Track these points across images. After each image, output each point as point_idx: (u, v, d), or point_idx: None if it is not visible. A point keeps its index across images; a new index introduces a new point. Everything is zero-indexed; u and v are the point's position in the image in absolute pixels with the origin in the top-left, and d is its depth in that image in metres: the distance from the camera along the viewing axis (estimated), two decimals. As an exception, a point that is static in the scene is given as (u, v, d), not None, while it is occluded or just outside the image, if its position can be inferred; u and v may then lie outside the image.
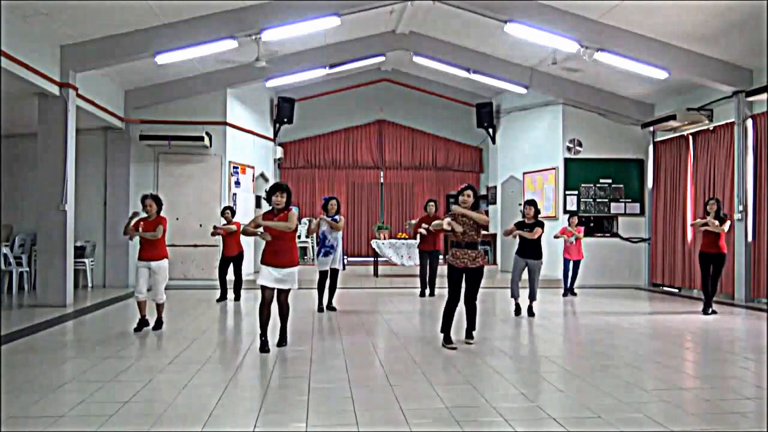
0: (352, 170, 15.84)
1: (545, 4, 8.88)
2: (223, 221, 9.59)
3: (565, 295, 10.58)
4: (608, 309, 9.03)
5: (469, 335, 6.23)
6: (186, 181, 11.60)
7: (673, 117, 10.65)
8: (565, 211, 12.29)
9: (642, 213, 12.48)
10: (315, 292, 8.77)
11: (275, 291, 5.75)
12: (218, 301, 9.42)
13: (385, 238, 12.66)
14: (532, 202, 8.22)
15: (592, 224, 12.40)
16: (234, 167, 11.98)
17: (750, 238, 9.66)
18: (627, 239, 12.41)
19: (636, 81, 10.81)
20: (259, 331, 5.85)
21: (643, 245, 12.45)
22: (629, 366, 5.27)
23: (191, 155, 11.58)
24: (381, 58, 12.82)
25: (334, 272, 8.48)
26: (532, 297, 8.13)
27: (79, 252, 10.55)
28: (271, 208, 5.83)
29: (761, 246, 9.44)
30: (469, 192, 6.03)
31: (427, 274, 10.25)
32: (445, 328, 6.04)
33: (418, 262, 12.37)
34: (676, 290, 11.42)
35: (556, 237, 10.61)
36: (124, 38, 8.75)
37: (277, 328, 6.03)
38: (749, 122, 9.72)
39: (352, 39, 11.39)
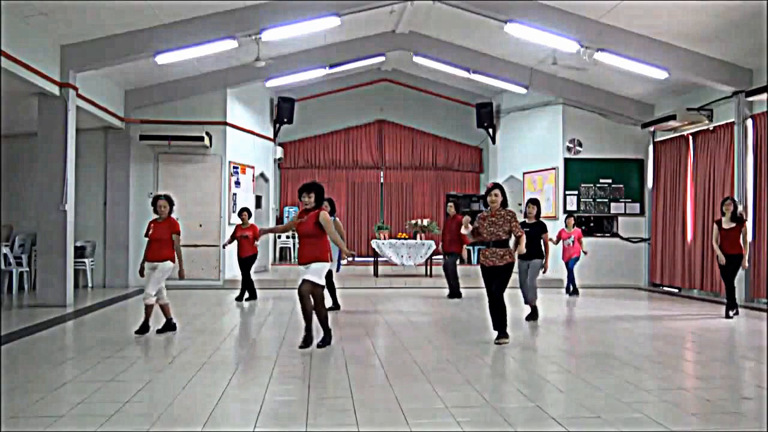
0: (352, 170, 15.85)
1: (545, 4, 8.88)
2: (239, 222, 9.54)
3: (572, 294, 10.50)
4: (608, 309, 9.02)
5: (500, 336, 6.16)
6: (186, 181, 11.60)
7: (673, 117, 10.65)
8: (565, 211, 12.29)
9: (642, 213, 12.48)
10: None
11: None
12: (248, 299, 9.46)
13: (385, 238, 12.67)
14: (535, 201, 7.96)
15: (592, 224, 12.41)
16: (234, 167, 11.98)
17: (750, 238, 9.64)
18: (627, 239, 12.41)
19: (636, 81, 10.81)
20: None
21: (643, 245, 12.45)
22: (629, 366, 5.26)
23: (191, 155, 11.58)
24: (381, 58, 12.82)
25: (329, 274, 8.19)
26: (526, 301, 7.74)
27: (79, 252, 10.54)
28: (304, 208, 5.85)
29: (761, 246, 9.43)
30: (497, 191, 6.05)
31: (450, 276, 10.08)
32: (496, 324, 6.14)
33: (419, 261, 12.44)
34: (676, 290, 11.41)
35: (555, 242, 10.22)
36: (124, 38, 8.74)
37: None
38: (749, 122, 9.72)
39: (352, 39, 11.39)
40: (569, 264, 10.51)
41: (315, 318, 5.86)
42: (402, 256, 12.30)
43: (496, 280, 6.09)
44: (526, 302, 7.80)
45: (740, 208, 8.30)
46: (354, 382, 4.60)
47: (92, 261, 11.30)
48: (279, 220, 15.13)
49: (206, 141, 11.18)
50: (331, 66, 11.83)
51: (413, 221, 13.39)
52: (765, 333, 6.92)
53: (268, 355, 5.62)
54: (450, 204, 10.23)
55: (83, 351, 5.80)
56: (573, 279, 10.58)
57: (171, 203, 6.71)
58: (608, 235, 12.42)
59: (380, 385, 4.57)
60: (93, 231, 11.42)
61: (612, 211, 12.46)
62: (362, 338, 6.49)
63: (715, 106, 10.39)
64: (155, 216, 6.69)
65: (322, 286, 5.82)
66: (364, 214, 15.86)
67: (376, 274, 12.59)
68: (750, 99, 9.45)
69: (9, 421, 3.63)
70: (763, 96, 9.09)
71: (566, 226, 10.54)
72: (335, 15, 8.79)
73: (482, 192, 15.65)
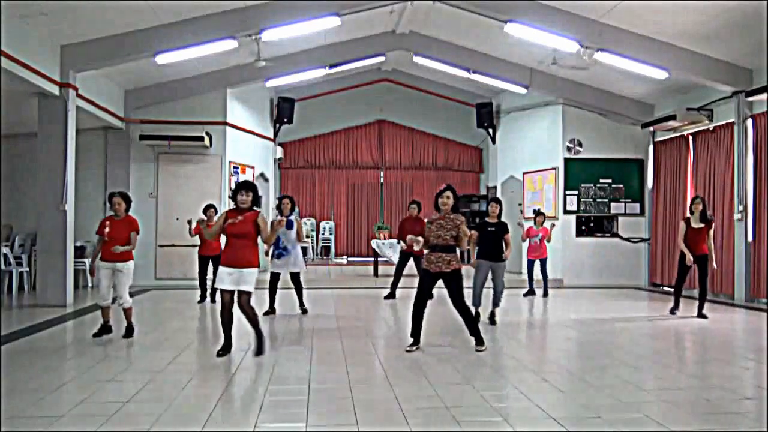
0: (352, 170, 15.85)
1: (545, 4, 8.88)
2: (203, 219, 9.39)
3: (526, 294, 10.31)
4: (608, 309, 9.02)
5: (478, 342, 5.83)
6: (186, 181, 11.60)
7: (673, 117, 10.65)
8: (565, 212, 12.30)
9: (642, 213, 12.48)
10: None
11: (234, 293, 5.46)
12: (199, 302, 9.18)
13: (385, 238, 12.66)
14: (498, 201, 7.65)
15: (592, 224, 12.40)
16: (234, 167, 11.98)
17: (750, 238, 9.65)
18: (627, 239, 12.41)
19: (636, 81, 10.81)
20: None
21: (643, 245, 12.45)
22: (629, 366, 5.27)
23: (191, 155, 11.57)
24: (381, 58, 12.82)
25: (296, 276, 8.06)
26: (496, 303, 7.48)
27: (79, 252, 10.53)
28: (235, 206, 5.58)
29: (761, 246, 9.43)
30: (449, 194, 5.77)
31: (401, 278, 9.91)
32: (414, 331, 5.84)
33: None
34: (676, 290, 11.40)
35: (523, 239, 10.29)
36: (124, 38, 8.75)
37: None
38: (749, 122, 9.72)
39: (352, 39, 11.39)
40: (542, 265, 10.32)
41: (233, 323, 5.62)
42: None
43: (449, 287, 5.76)
44: (474, 304, 7.35)
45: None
46: (354, 382, 4.60)
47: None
48: (279, 220, 15.12)
49: (206, 141, 11.18)
50: (331, 66, 11.82)
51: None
52: (765, 333, 6.92)
53: (268, 355, 5.62)
54: (413, 206, 9.77)
55: (83, 351, 5.80)
56: (546, 280, 10.39)
57: (127, 200, 6.55)
58: (608, 235, 12.41)
59: (380, 385, 4.57)
60: (93, 231, 11.35)
61: (612, 211, 12.46)
62: (362, 338, 6.49)
63: (715, 106, 10.39)
64: (111, 214, 6.53)
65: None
66: (364, 214, 15.86)
67: (376, 274, 12.57)
68: (750, 99, 9.45)
69: (9, 421, 3.63)
70: (763, 96, 9.09)
71: (535, 223, 10.36)
72: (335, 15, 8.79)
73: (482, 192, 15.70)
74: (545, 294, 10.36)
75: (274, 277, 8.02)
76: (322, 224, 15.47)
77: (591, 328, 7.31)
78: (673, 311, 8.37)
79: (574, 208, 12.34)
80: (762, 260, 9.39)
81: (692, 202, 8.22)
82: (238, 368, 5.09)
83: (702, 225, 8.07)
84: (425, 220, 5.74)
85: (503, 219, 7.68)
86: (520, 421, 3.69)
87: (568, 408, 4.09)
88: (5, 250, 10.21)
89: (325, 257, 15.22)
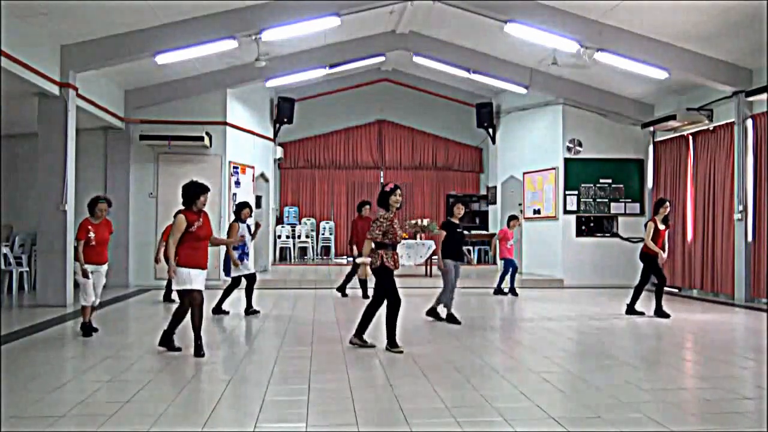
0: (352, 170, 15.86)
1: (545, 4, 8.88)
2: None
3: (498, 293, 10.28)
4: (608, 309, 9.01)
5: (359, 336, 5.97)
6: (186, 181, 11.55)
7: (673, 117, 10.65)
8: (565, 211, 12.30)
9: (642, 213, 12.47)
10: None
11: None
12: (166, 300, 9.25)
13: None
14: (464, 202, 7.75)
15: (592, 224, 12.41)
16: (234, 167, 11.97)
17: (750, 238, 9.66)
18: (627, 239, 12.40)
19: (636, 81, 10.81)
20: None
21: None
22: (629, 366, 5.27)
23: (191, 155, 11.56)
24: (381, 58, 12.82)
25: (254, 276, 8.22)
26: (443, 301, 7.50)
27: (79, 252, 10.53)
28: (189, 207, 5.74)
29: (761, 246, 9.43)
30: (401, 192, 6.02)
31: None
32: (392, 333, 5.89)
33: (419, 261, 12.45)
34: (676, 290, 11.41)
35: (501, 239, 10.22)
36: (124, 38, 8.75)
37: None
38: (749, 122, 9.72)
39: (352, 39, 11.39)
40: (514, 264, 10.28)
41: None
42: (402, 256, 12.30)
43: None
44: (446, 305, 7.47)
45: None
46: (354, 382, 4.60)
47: (92, 261, 11.27)
48: (279, 220, 15.14)
49: (206, 141, 11.17)
50: (331, 66, 11.82)
51: (413, 221, 13.39)
52: (765, 333, 6.92)
53: (268, 355, 5.62)
54: (366, 207, 9.82)
55: (83, 351, 5.80)
56: (503, 280, 10.38)
57: (110, 205, 6.77)
58: (608, 235, 12.41)
59: (380, 385, 4.57)
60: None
61: (612, 211, 12.46)
62: (362, 338, 6.48)
63: (715, 106, 10.39)
64: (89, 217, 6.54)
65: None
66: (364, 214, 15.84)
67: (376, 274, 12.58)
68: (750, 99, 9.45)
69: (9, 421, 3.63)
70: (763, 96, 9.09)
71: (509, 226, 10.31)
72: (335, 15, 8.79)
73: (482, 192, 15.71)
74: (503, 292, 10.36)
75: (251, 279, 8.15)
76: (322, 224, 15.47)
77: (591, 328, 7.31)
78: (666, 314, 8.03)
79: (574, 208, 12.34)
80: (762, 260, 9.39)
81: (661, 205, 8.21)
82: (237, 368, 5.09)
83: (664, 227, 8.20)
84: (377, 218, 5.84)
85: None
86: (520, 421, 3.69)
87: (568, 408, 4.09)
88: (5, 250, 10.20)
89: (325, 257, 15.22)
